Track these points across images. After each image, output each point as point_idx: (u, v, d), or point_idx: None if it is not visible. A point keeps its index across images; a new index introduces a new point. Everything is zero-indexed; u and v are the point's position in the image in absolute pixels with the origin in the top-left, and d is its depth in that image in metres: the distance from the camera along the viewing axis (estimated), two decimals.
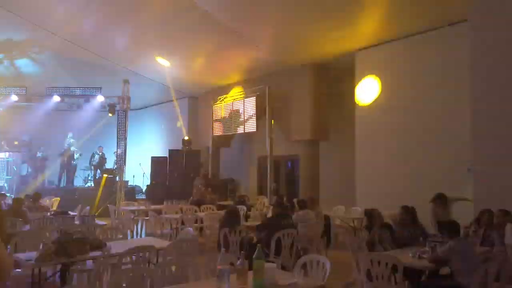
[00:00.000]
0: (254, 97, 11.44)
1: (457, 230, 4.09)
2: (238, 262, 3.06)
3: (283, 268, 4.81)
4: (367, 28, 8.54)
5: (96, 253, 4.31)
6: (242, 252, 3.11)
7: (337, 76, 11.06)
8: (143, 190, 14.82)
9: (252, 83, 12.08)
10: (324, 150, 10.85)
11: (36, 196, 7.86)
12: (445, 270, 4.22)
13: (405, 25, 8.20)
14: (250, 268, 3.05)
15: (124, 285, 3.17)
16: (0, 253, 3.07)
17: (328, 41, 9.25)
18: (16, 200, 6.83)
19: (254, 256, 3.02)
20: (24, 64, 12.61)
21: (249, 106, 11.68)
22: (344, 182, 10.29)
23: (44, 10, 9.12)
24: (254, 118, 11.41)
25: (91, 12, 9.44)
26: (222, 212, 8.15)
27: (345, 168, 10.41)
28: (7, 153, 13.43)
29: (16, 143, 14.05)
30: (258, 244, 3.08)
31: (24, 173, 14.38)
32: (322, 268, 3.49)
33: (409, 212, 5.28)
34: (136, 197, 13.53)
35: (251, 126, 11.59)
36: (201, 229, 8.09)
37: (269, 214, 7.96)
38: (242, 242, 5.62)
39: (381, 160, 8.84)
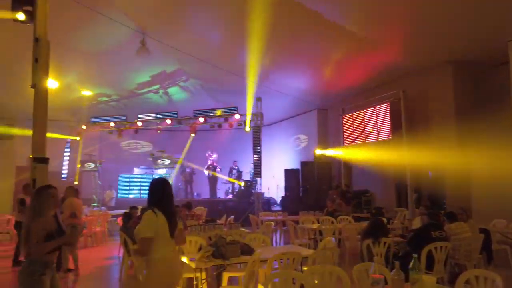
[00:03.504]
0: (388, 103, 10.89)
1: None
2: (392, 272, 2.92)
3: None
4: None
5: (247, 257, 4.63)
6: (396, 262, 2.96)
7: (485, 72, 9.78)
8: (277, 202, 15.40)
9: (384, 88, 11.52)
10: (475, 156, 9.59)
11: (189, 206, 8.87)
12: None
13: None
14: (406, 280, 2.88)
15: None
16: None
17: (473, 33, 8.27)
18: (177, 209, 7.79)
19: (410, 267, 2.85)
20: (174, 91, 14.55)
21: (382, 113, 11.16)
22: (504, 192, 8.88)
23: (189, 38, 10.37)
24: (389, 125, 10.83)
25: (227, 37, 10.39)
26: (361, 224, 7.91)
27: (504, 176, 8.99)
28: (164, 169, 15.61)
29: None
30: (414, 255, 2.89)
31: (176, 186, 16.48)
32: (491, 286, 3.06)
33: None
34: (272, 209, 14.15)
35: (385, 134, 11.03)
36: (339, 240, 7.97)
37: (413, 226, 7.40)
38: (386, 254, 5.35)
39: None
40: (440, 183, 11.00)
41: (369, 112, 11.75)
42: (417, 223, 6.89)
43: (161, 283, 3.17)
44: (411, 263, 2.86)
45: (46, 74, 4.21)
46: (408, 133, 10.33)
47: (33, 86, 4.16)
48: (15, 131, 14.22)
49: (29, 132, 4.07)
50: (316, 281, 3.48)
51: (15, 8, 4.57)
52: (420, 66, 10.22)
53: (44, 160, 4.01)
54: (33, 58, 4.21)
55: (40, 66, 4.19)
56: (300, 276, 3.42)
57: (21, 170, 14.29)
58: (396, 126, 10.69)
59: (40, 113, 4.12)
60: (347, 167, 13.53)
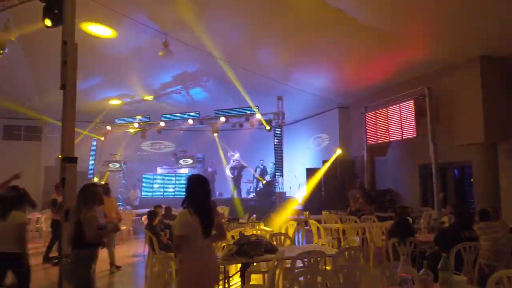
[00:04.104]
0: (412, 100, 10.66)
1: None
2: (420, 272, 2.86)
3: None
4: None
5: (270, 256, 4.63)
6: (425, 261, 2.90)
7: None
8: (299, 201, 15.32)
9: (408, 85, 11.27)
10: (505, 154, 9.29)
11: (214, 204, 8.94)
12: None
13: None
14: (434, 280, 2.81)
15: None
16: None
17: (505, 28, 7.97)
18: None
19: (439, 266, 2.79)
20: (196, 92, 14.68)
21: (406, 110, 10.94)
22: None
23: (210, 39, 10.43)
24: (413, 123, 10.60)
25: (247, 37, 10.41)
26: (385, 223, 7.79)
27: None
28: (187, 169, 15.79)
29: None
30: (443, 255, 2.82)
31: None
32: None
33: None
34: (294, 208, 14.10)
35: (409, 132, 10.80)
36: (362, 240, 7.87)
37: (439, 224, 7.22)
38: (412, 254, 5.24)
39: None
40: (467, 181, 10.69)
41: (392, 109, 11.53)
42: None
43: (192, 281, 3.18)
44: (441, 263, 2.80)
45: (74, 75, 4.33)
46: (434, 131, 10.08)
47: (62, 87, 4.29)
48: (46, 118, 14.73)
49: (58, 123, 4.24)
50: (341, 280, 3.45)
51: (45, 14, 4.74)
52: (447, 62, 9.93)
53: (73, 160, 4.12)
54: (62, 60, 4.34)
55: (68, 68, 4.31)
56: (325, 275, 3.39)
57: (49, 170, 14.78)
58: (421, 123, 10.45)
59: (69, 113, 4.24)
60: (370, 165, 13.32)
